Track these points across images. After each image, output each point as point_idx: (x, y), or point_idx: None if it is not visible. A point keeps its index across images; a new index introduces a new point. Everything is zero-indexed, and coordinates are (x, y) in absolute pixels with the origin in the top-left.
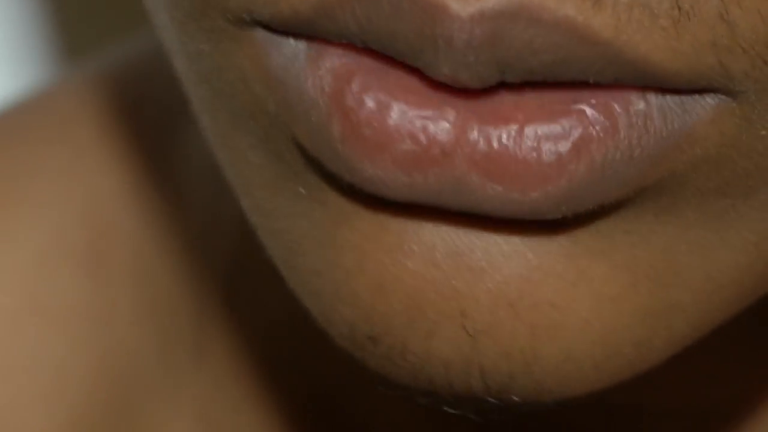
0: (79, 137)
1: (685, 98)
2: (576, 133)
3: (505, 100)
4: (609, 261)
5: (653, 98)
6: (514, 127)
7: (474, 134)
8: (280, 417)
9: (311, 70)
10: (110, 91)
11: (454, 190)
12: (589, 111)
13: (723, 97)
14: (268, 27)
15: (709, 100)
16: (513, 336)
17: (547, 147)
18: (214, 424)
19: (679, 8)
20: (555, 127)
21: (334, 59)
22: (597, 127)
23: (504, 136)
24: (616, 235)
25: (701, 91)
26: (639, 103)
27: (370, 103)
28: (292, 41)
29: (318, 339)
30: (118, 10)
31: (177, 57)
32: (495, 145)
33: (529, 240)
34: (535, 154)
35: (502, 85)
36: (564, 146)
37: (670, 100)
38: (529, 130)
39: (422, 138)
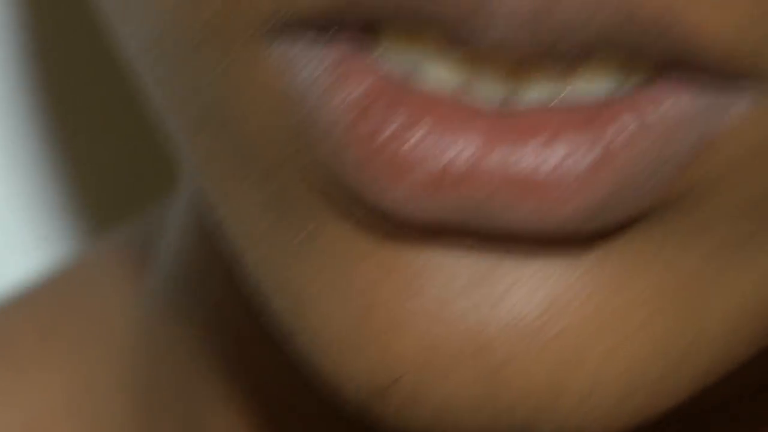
0: (97, 309)
1: (715, 98)
2: (605, 141)
3: (528, 115)
4: (636, 286)
5: (684, 99)
6: (539, 142)
7: (498, 153)
8: None
9: (334, 91)
10: (117, 264)
11: (479, 211)
12: (613, 122)
13: (751, 97)
14: (295, 35)
15: (746, 92)
16: (537, 369)
17: (574, 160)
18: None
19: None
20: (581, 139)
21: (357, 82)
22: (628, 131)
23: (529, 153)
24: (643, 257)
25: (739, 76)
26: (667, 105)
27: (389, 127)
28: (312, 64)
29: None
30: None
31: (173, 101)
32: (520, 162)
33: (551, 266)
34: (562, 169)
35: (520, 106)
36: (592, 157)
37: (701, 100)
38: (555, 145)
39: (443, 161)
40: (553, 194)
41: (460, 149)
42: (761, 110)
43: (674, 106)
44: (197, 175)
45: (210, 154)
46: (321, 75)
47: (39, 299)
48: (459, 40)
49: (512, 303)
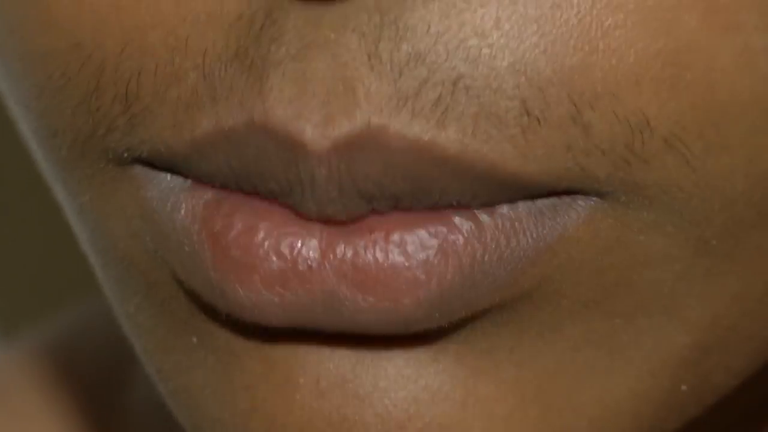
0: (17, 405)
1: (556, 200)
2: (441, 237)
3: (372, 219)
4: (495, 380)
5: (521, 203)
6: (380, 236)
7: (341, 248)
8: None
9: (185, 200)
10: (49, 358)
11: (326, 306)
12: (454, 218)
13: (594, 198)
14: (148, 163)
15: (581, 202)
16: None
17: (413, 253)
18: None
19: (528, 114)
20: (421, 233)
21: (207, 192)
22: (463, 230)
23: (371, 247)
24: (500, 353)
25: (568, 193)
26: (504, 207)
27: (237, 226)
28: (168, 176)
29: None
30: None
31: (73, 222)
32: (362, 256)
33: (413, 362)
34: (402, 261)
35: (372, 213)
36: (431, 251)
37: (539, 203)
38: (395, 238)
39: (289, 255)
40: (391, 287)
41: (303, 246)
42: (597, 218)
43: (510, 210)
44: (103, 291)
45: (103, 274)
46: (170, 191)
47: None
48: (283, 202)
49: (379, 397)
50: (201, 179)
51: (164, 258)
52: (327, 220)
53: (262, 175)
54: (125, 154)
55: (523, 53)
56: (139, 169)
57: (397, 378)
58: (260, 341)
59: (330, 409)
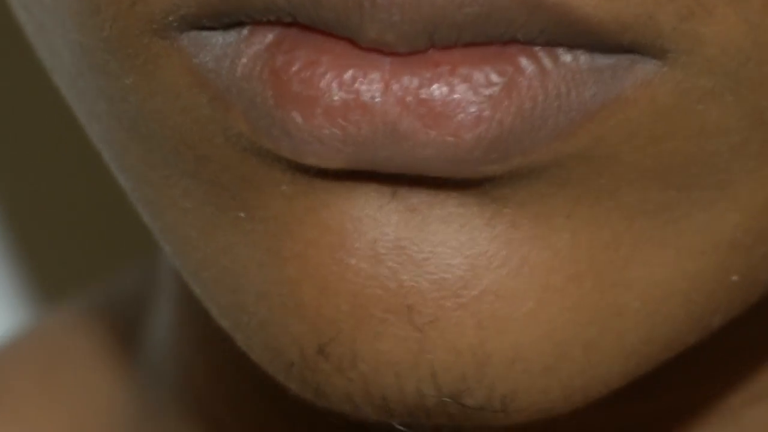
0: (67, 373)
1: (615, 60)
2: (507, 75)
3: (436, 53)
4: (551, 248)
5: (582, 56)
6: (446, 69)
7: (405, 79)
8: None
9: (246, 48)
10: (98, 324)
11: (387, 140)
12: (520, 59)
13: (654, 61)
14: (196, 25)
15: (640, 65)
16: (460, 329)
17: (479, 89)
18: None
19: None
20: (486, 70)
21: (266, 34)
22: (527, 72)
23: (436, 79)
24: (556, 219)
25: (629, 50)
26: (567, 56)
27: (299, 61)
28: (220, 37)
29: None
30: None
31: (101, 129)
32: (427, 89)
33: (468, 228)
34: (469, 96)
35: (431, 48)
36: (496, 88)
37: (599, 59)
38: (462, 71)
39: (351, 86)
40: (455, 121)
41: (366, 77)
42: (655, 83)
43: (572, 61)
44: (136, 200)
45: (144, 171)
46: (227, 47)
47: (33, 346)
48: (342, 36)
49: (436, 263)
50: (258, 21)
51: (221, 119)
52: (388, 53)
53: (319, 3)
54: (170, 18)
55: None
56: (187, 39)
57: (454, 244)
58: (315, 203)
59: (386, 275)
